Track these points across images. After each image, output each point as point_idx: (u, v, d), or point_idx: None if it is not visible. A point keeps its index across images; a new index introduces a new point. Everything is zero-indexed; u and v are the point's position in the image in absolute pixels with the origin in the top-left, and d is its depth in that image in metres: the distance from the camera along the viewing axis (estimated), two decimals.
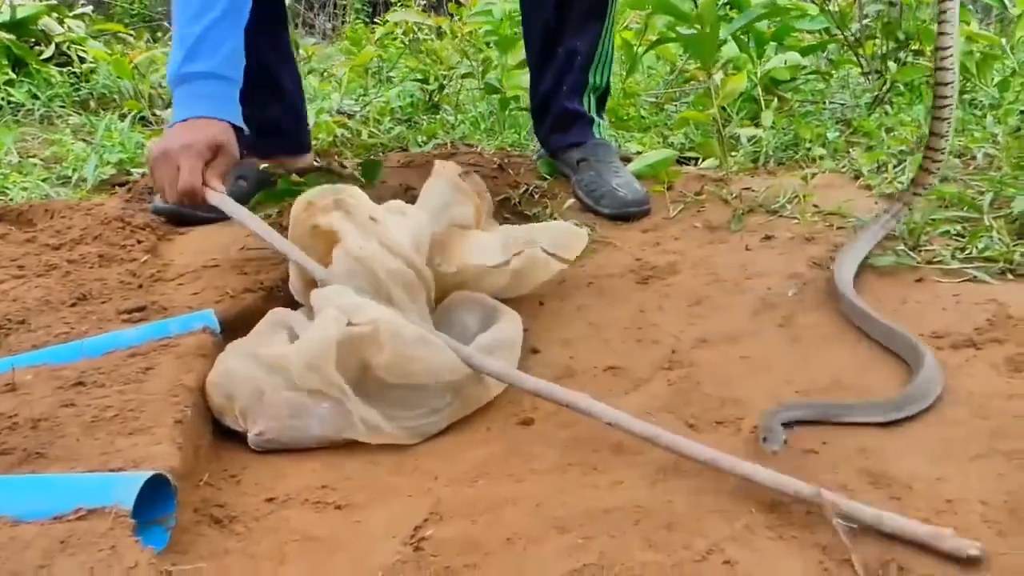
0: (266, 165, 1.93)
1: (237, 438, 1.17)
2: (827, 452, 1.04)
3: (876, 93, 2.64)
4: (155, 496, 0.94)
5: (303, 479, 1.07)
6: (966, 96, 2.68)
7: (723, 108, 2.45)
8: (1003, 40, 2.78)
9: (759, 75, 2.51)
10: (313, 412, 1.11)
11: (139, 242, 1.67)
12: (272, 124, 1.95)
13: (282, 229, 1.48)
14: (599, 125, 2.07)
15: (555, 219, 1.88)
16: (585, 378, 1.28)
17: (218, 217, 1.90)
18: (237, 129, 1.48)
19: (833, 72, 3.09)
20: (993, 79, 2.78)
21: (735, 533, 0.90)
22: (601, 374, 1.29)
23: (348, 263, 1.24)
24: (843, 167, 2.12)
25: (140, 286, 1.54)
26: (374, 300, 1.20)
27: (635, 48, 2.79)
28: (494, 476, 1.05)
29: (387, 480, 1.06)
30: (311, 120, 2.80)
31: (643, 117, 2.85)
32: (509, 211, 1.97)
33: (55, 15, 3.29)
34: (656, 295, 1.55)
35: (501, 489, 1.01)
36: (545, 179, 2.09)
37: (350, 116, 2.93)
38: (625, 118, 2.79)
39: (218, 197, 1.42)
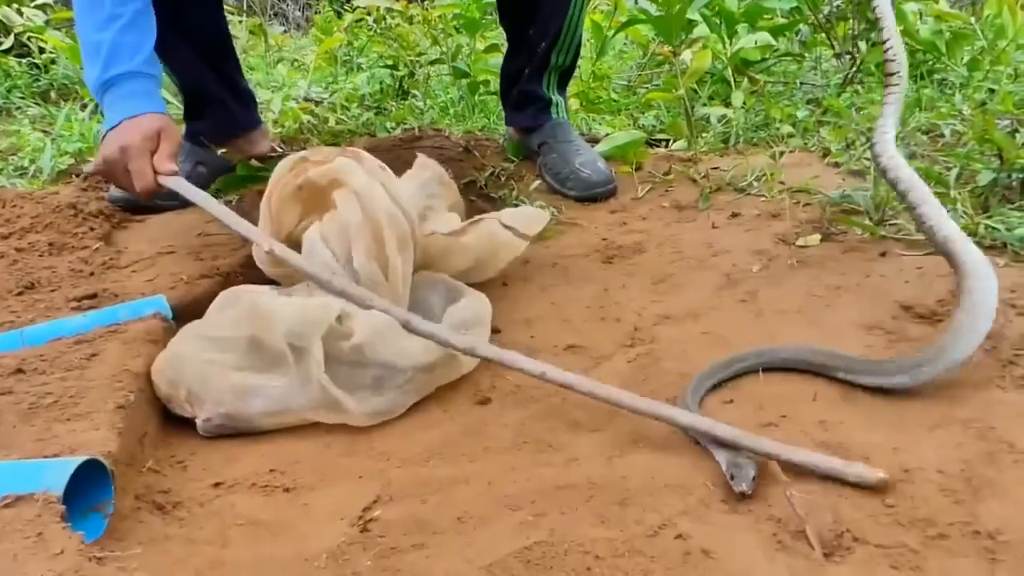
0: (224, 151, 1.89)
1: (188, 425, 1.14)
2: (787, 425, 1.02)
3: (847, 72, 2.63)
4: (94, 483, 0.91)
5: (252, 464, 1.04)
6: (936, 76, 2.68)
7: (693, 89, 2.44)
8: (972, 19, 2.77)
9: (729, 56, 2.49)
10: (259, 394, 1.07)
11: (92, 230, 1.63)
12: (227, 96, 1.91)
13: (243, 213, 1.45)
14: (557, 105, 2.05)
15: (522, 201, 1.86)
16: (545, 356, 1.25)
17: (175, 205, 1.86)
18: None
19: (805, 54, 3.08)
20: (963, 59, 2.78)
21: (688, 508, 0.88)
22: (562, 352, 1.26)
23: (349, 205, 1.22)
24: (812, 146, 2.11)
25: (91, 274, 1.50)
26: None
27: (605, 30, 2.76)
28: (447, 456, 1.02)
29: (338, 462, 1.04)
30: (277, 107, 2.77)
31: (614, 100, 2.83)
32: (475, 194, 1.95)
33: (14, 5, 3.22)
34: (620, 274, 1.53)
35: (453, 469, 0.99)
36: (512, 161, 2.06)
37: (317, 103, 2.89)
38: (596, 101, 2.76)
39: (173, 181, 1.39)
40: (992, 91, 2.40)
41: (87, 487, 0.91)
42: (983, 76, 2.54)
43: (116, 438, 0.96)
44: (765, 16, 2.91)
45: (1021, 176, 1.60)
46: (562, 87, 2.08)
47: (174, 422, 1.14)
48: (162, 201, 1.84)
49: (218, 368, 1.10)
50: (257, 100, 2.11)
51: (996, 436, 0.93)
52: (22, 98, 3.09)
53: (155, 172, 1.38)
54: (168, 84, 2.04)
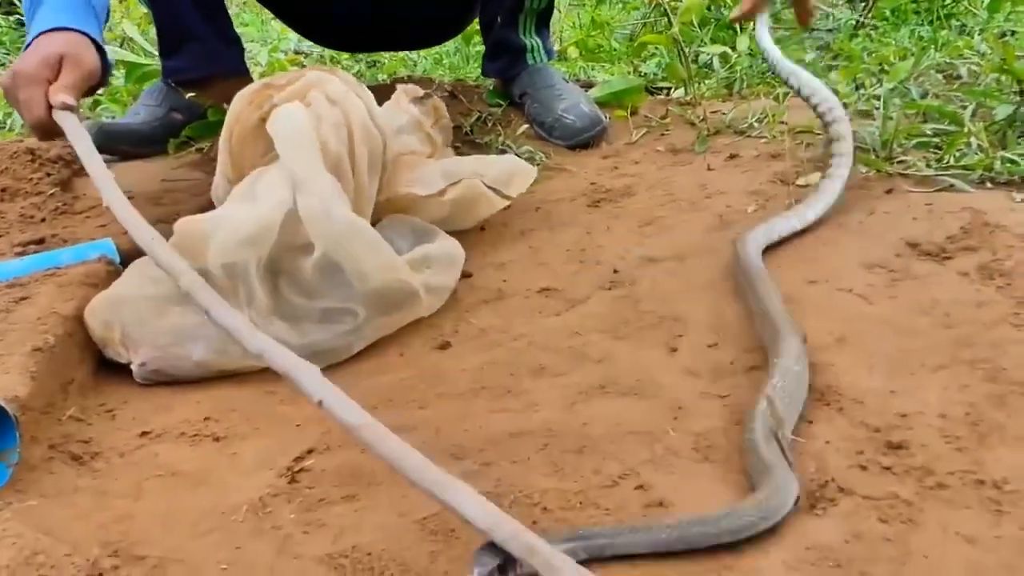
0: (193, 95, 1.79)
1: (125, 372, 1.05)
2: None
3: (859, 16, 2.48)
4: (2, 431, 0.83)
5: (186, 412, 0.95)
6: (955, 21, 2.53)
7: (692, 30, 2.31)
8: None
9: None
10: (198, 335, 0.98)
11: (48, 175, 1.54)
12: (208, 32, 1.78)
13: (211, 161, 1.35)
14: (534, 50, 1.92)
15: (508, 147, 1.75)
16: (516, 300, 1.16)
17: (148, 151, 1.77)
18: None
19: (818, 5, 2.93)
20: (984, 1, 2.63)
21: (655, 456, 0.78)
22: (534, 295, 1.16)
23: (322, 106, 1.10)
24: None
25: (43, 220, 1.41)
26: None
27: None
28: (397, 403, 0.93)
29: (278, 410, 0.95)
30: (264, 60, 2.66)
31: (614, 49, 2.69)
32: (460, 140, 1.84)
33: None
34: (606, 217, 1.42)
35: (401, 417, 0.90)
36: (499, 106, 1.95)
37: (306, 55, 2.78)
38: (595, 50, 2.64)
39: (64, 117, 1.15)
40: (1013, 33, 2.26)
41: None
42: (1004, 17, 2.39)
43: (28, 383, 0.87)
44: None
45: None
46: (541, 28, 1.95)
47: (109, 369, 1.05)
48: (126, 147, 1.75)
49: (156, 307, 1.00)
50: (245, 50, 1.99)
51: (1007, 377, 0.82)
52: (7, 54, 3.01)
53: (50, 106, 1.16)
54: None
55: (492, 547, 0.58)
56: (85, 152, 1.12)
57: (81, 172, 1.65)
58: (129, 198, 1.49)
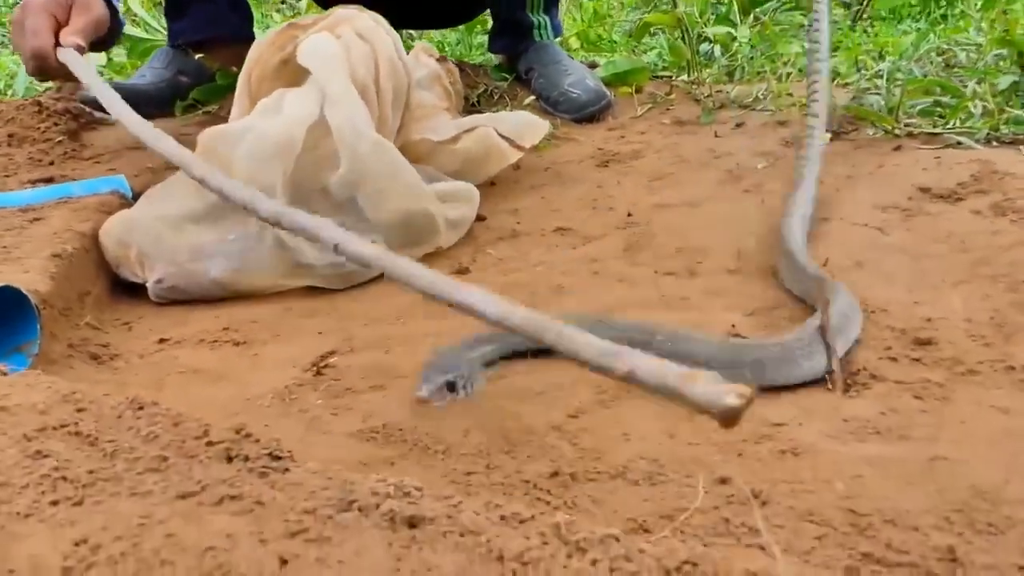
0: (201, 56, 1.79)
1: (139, 292, 1.04)
2: None
3: (857, 10, 2.53)
4: (21, 324, 0.82)
5: (205, 323, 0.95)
6: (951, 21, 2.59)
7: (695, 19, 2.35)
8: None
9: None
10: (216, 252, 0.97)
11: (56, 125, 1.53)
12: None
13: (222, 120, 1.34)
14: (541, 27, 1.94)
15: None
16: (532, 238, 1.16)
17: (154, 112, 1.76)
18: None
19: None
20: (977, 4, 2.68)
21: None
22: (549, 233, 1.17)
23: (352, 40, 1.10)
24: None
25: (51, 163, 1.40)
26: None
27: None
28: (418, 316, 0.93)
29: (298, 322, 0.94)
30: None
31: (615, 41, 2.73)
32: (467, 111, 1.85)
33: None
34: (616, 174, 1.43)
35: (424, 325, 0.89)
36: (505, 79, 1.96)
37: None
38: (596, 41, 2.66)
39: (69, 55, 1.14)
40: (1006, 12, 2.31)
41: (14, 329, 0.82)
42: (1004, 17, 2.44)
43: (48, 282, 0.87)
44: None
45: None
46: (550, 7, 1.98)
47: (124, 289, 1.04)
48: (135, 108, 1.74)
49: (173, 224, 1.00)
50: (253, 16, 1.99)
51: None
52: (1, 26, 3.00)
53: (56, 42, 1.16)
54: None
55: (440, 364, 0.63)
56: (89, 77, 1.11)
57: (88, 125, 1.65)
58: (139, 148, 1.50)
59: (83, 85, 1.60)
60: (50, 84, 2.04)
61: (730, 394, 0.39)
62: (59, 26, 1.19)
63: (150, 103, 1.77)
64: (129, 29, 2.36)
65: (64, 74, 1.17)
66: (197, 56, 1.78)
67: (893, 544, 0.49)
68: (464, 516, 0.40)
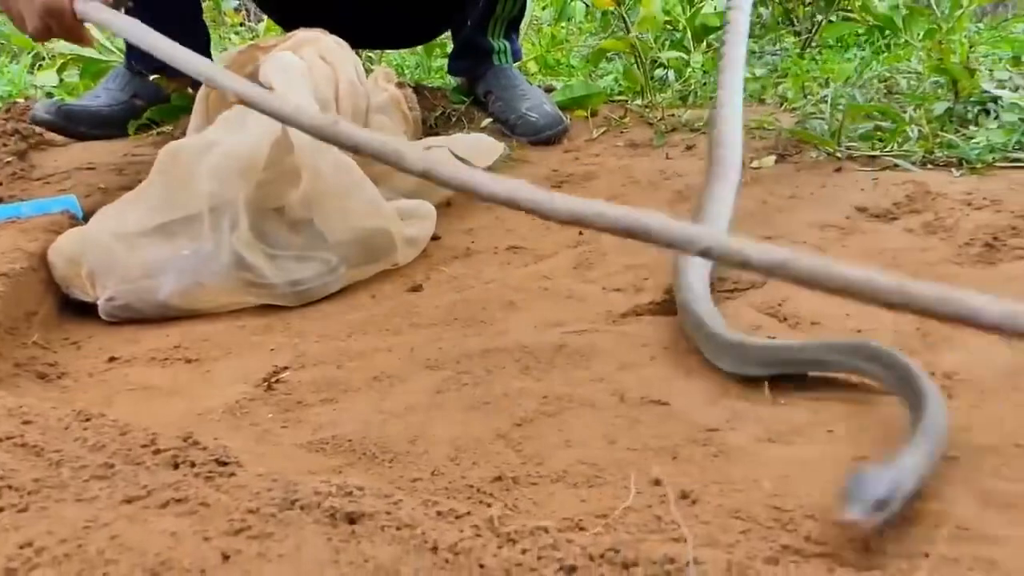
0: (157, 77, 1.79)
1: (89, 312, 1.04)
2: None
3: (806, 38, 2.63)
4: None
5: (156, 342, 0.95)
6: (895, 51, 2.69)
7: (649, 45, 2.41)
8: None
9: (688, 17, 2.46)
10: (169, 267, 0.98)
11: (4, 145, 1.53)
12: (172, 19, 1.78)
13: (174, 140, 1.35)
14: (501, 52, 1.99)
15: None
16: (485, 255, 1.18)
17: (107, 133, 1.76)
18: None
19: (766, 34, 3.08)
20: (919, 35, 2.80)
21: (625, 364, 0.81)
22: (502, 251, 1.19)
23: (314, 60, 1.12)
24: (769, 99, 2.08)
25: (0, 184, 1.40)
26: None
27: None
28: (371, 332, 0.94)
29: (250, 339, 0.95)
30: None
31: (572, 66, 2.78)
32: (425, 133, 1.87)
33: None
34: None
35: (375, 341, 0.91)
36: (462, 102, 2.00)
37: None
38: (554, 65, 2.72)
39: (92, 7, 1.07)
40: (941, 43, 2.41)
41: None
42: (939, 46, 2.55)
43: None
44: None
45: (976, 106, 1.57)
46: (510, 32, 2.03)
47: (73, 310, 1.04)
48: (86, 128, 1.74)
49: (125, 240, 1.00)
50: (210, 40, 2.00)
51: None
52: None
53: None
54: None
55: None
56: (121, 22, 1.06)
57: (37, 146, 1.64)
58: (89, 168, 1.50)
59: (35, 106, 1.61)
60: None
61: None
62: None
63: (104, 123, 1.77)
64: (82, 50, 2.36)
65: (75, 34, 1.12)
66: (152, 78, 1.78)
67: (812, 536, 0.52)
68: (402, 512, 0.42)
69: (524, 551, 0.40)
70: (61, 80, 2.25)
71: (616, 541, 0.41)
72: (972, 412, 0.67)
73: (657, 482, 0.58)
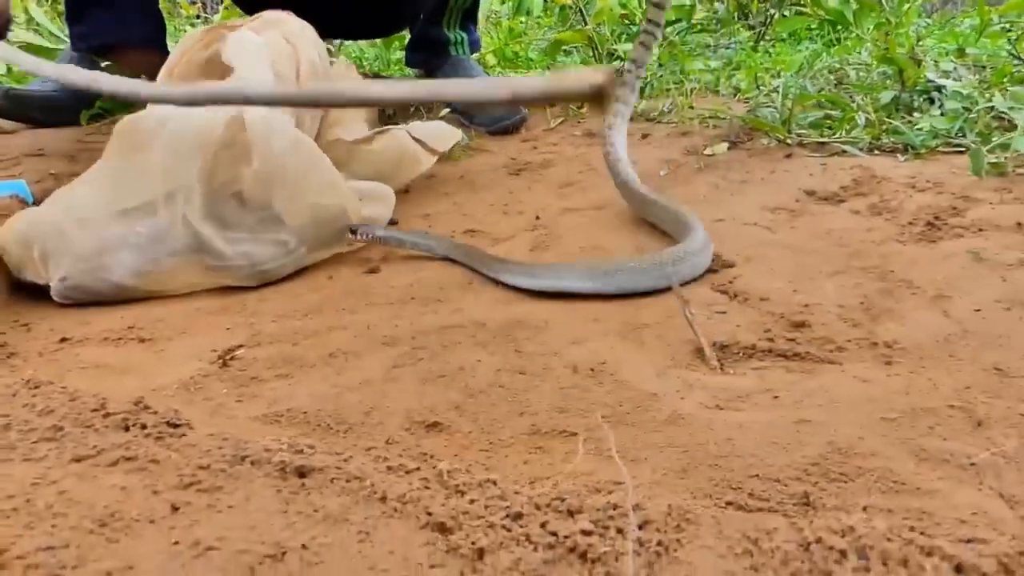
0: (109, 64, 1.76)
1: (41, 295, 1.02)
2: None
3: (759, 31, 2.67)
4: None
5: (109, 323, 0.94)
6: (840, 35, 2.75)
7: (605, 38, 2.43)
8: None
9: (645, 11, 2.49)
10: (124, 244, 0.97)
11: None
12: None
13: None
14: (458, 43, 2.00)
15: None
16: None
17: (59, 119, 1.73)
18: None
19: (721, 28, 3.13)
20: (869, 29, 2.86)
21: (577, 338, 0.82)
22: (460, 236, 1.20)
23: (277, 40, 1.11)
24: (724, 90, 2.11)
25: None
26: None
27: None
28: (327, 311, 0.94)
29: (206, 319, 0.94)
30: None
31: (531, 59, 2.80)
32: (383, 122, 1.87)
33: None
34: (527, 182, 1.48)
35: (332, 320, 0.91)
36: None
37: None
38: (512, 57, 2.73)
39: None
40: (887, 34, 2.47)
41: None
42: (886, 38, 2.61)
43: None
44: None
45: (921, 95, 1.62)
46: (466, 23, 2.03)
47: (23, 294, 1.02)
48: (35, 114, 1.71)
49: (78, 221, 0.98)
50: (165, 27, 1.96)
51: (895, 277, 0.91)
52: None
53: None
54: None
55: None
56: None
57: None
58: (39, 155, 1.48)
59: None
60: None
61: (596, 75, 0.55)
62: None
63: (56, 109, 1.74)
64: (31, 37, 2.31)
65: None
66: (104, 65, 1.75)
67: (755, 493, 0.54)
68: (351, 466, 0.42)
69: (472, 501, 0.41)
70: (9, 69, 2.20)
71: (562, 491, 0.42)
72: (911, 377, 0.69)
73: (606, 446, 0.59)
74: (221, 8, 4.04)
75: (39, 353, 0.86)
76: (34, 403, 0.51)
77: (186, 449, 0.45)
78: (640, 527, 0.39)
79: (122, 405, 0.50)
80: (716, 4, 3.14)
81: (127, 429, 0.48)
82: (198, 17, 4.12)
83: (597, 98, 0.53)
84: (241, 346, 0.85)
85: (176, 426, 0.48)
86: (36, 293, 1.02)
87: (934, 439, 0.60)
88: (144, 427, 0.48)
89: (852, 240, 1.03)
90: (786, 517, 0.48)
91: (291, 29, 1.21)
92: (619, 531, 0.39)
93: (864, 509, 0.51)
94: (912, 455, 0.58)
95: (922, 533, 0.44)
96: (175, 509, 0.38)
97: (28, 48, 2.18)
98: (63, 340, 0.90)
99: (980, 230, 1.00)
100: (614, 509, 0.41)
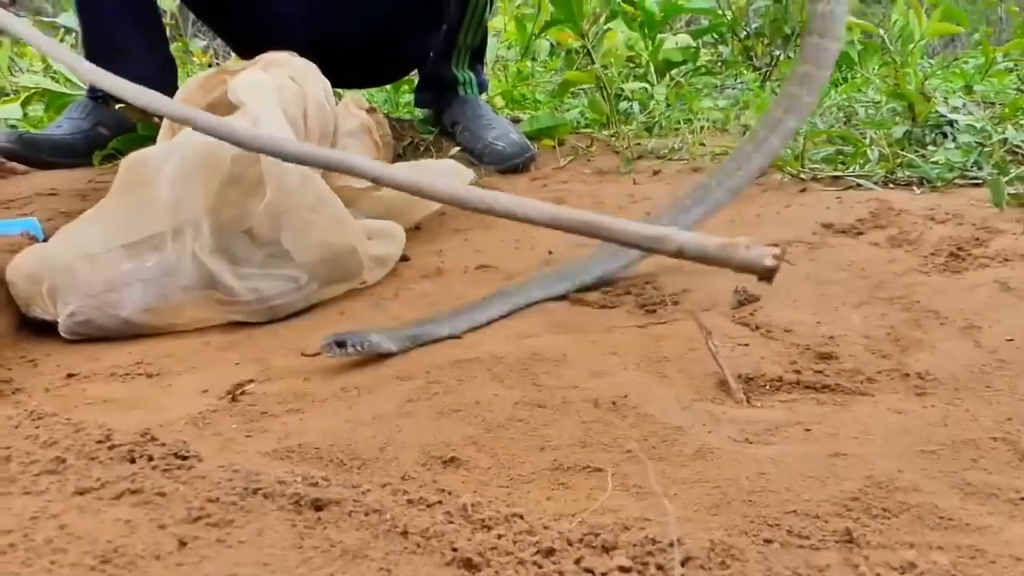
0: (122, 106, 1.77)
1: (49, 332, 1.00)
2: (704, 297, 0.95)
3: (764, 71, 2.69)
4: None
5: (117, 358, 0.92)
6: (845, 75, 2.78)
7: (613, 79, 2.45)
8: (881, 31, 2.88)
9: (650, 51, 2.51)
10: (133, 279, 0.95)
11: None
12: (140, 49, 1.76)
13: None
14: (466, 83, 2.01)
15: None
16: (455, 275, 1.17)
17: (71, 162, 1.73)
18: None
19: (727, 70, 3.16)
20: (875, 68, 2.88)
21: (597, 372, 0.79)
22: (472, 271, 1.18)
23: (284, 80, 1.10)
24: (732, 127, 2.12)
25: None
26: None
27: (530, 31, 2.76)
28: None
29: (215, 354, 0.92)
30: None
31: (539, 100, 2.81)
32: (395, 160, 1.88)
33: None
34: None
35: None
36: (431, 132, 2.00)
37: None
38: (520, 100, 2.75)
39: None
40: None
41: None
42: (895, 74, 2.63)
43: None
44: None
45: (933, 130, 1.61)
46: (474, 63, 2.04)
47: (31, 329, 1.00)
48: (48, 156, 1.71)
49: (87, 256, 0.97)
50: (177, 71, 1.98)
51: (921, 307, 0.88)
52: None
53: None
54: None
55: None
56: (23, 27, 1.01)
57: None
58: (51, 194, 1.48)
59: None
60: None
61: (767, 256, 0.54)
62: None
63: (66, 152, 1.74)
64: (47, 83, 2.34)
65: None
66: (117, 107, 1.76)
67: (794, 530, 0.51)
68: (370, 498, 0.40)
69: (500, 536, 0.38)
70: (25, 114, 2.22)
71: (594, 526, 0.40)
72: (948, 409, 0.67)
73: (632, 481, 0.56)
74: (232, 55, 4.10)
75: (45, 389, 0.84)
76: (37, 434, 0.49)
77: (195, 481, 0.42)
78: (683, 563, 0.36)
79: (128, 437, 0.48)
80: (721, 48, 3.18)
81: (133, 461, 0.46)
82: (210, 65, 4.19)
83: (765, 278, 0.52)
84: (251, 381, 0.83)
85: (184, 458, 0.46)
86: (43, 329, 1.00)
87: (978, 472, 0.57)
88: (151, 459, 0.45)
89: (874, 271, 1.00)
90: (838, 553, 0.45)
91: (296, 68, 1.20)
92: (659, 568, 0.36)
93: (911, 546, 0.48)
94: (956, 489, 0.55)
95: (980, 570, 0.41)
96: (183, 544, 0.36)
97: (44, 94, 2.21)
98: (70, 376, 0.88)
99: (1006, 260, 0.97)
100: (652, 544, 0.38)
